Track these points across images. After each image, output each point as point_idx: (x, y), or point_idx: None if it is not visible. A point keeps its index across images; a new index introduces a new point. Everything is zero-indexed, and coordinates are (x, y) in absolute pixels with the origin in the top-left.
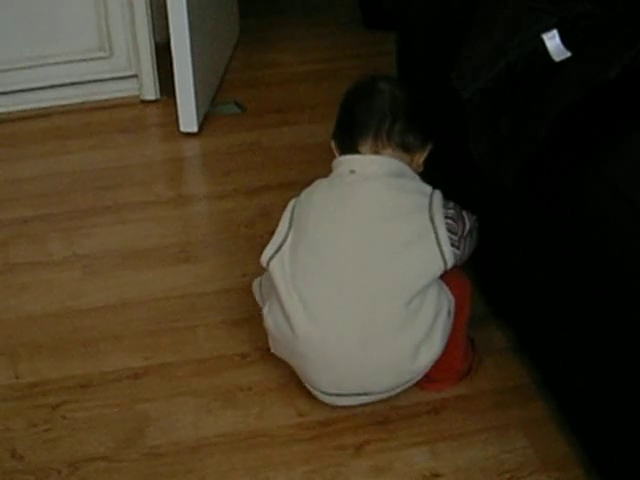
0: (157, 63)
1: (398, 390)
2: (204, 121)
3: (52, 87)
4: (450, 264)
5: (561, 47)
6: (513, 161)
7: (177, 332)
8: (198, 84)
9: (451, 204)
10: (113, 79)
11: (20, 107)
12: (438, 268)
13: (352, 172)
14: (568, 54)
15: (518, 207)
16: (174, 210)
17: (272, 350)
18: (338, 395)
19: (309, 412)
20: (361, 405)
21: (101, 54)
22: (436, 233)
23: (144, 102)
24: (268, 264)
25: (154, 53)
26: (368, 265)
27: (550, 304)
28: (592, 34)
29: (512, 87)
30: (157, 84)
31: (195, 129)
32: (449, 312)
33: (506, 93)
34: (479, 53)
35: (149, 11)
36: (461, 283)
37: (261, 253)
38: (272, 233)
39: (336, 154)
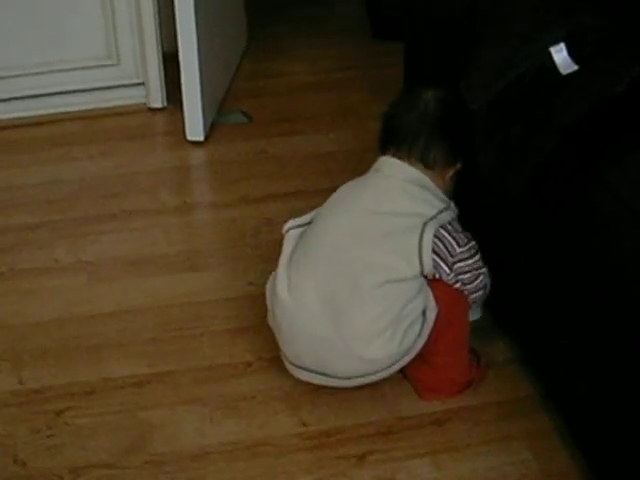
0: (164, 71)
1: (354, 382)
2: (211, 130)
3: (59, 94)
4: (427, 271)
5: (568, 60)
6: (521, 171)
7: (181, 340)
8: (205, 93)
9: (461, 229)
10: (120, 86)
11: (27, 113)
12: (412, 269)
13: (377, 170)
14: (575, 67)
15: (523, 215)
16: (180, 218)
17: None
18: (300, 368)
19: (312, 422)
20: (364, 414)
21: (108, 62)
22: (421, 236)
23: (151, 110)
24: (287, 231)
25: (161, 61)
26: (348, 246)
27: (553, 315)
28: (600, 48)
29: (521, 98)
30: (164, 92)
31: (202, 138)
32: (423, 316)
33: (515, 104)
34: (488, 64)
35: (157, 20)
36: (456, 296)
37: (266, 261)
38: (278, 242)
39: None
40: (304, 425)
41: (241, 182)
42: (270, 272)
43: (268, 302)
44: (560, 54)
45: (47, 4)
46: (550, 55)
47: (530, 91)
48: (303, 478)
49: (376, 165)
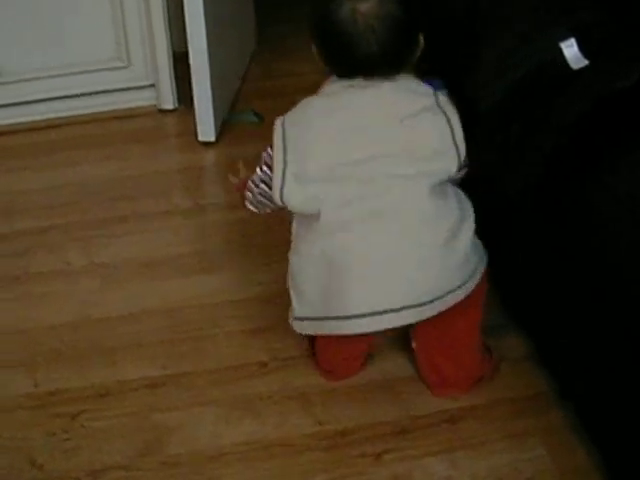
0: (175, 72)
1: (438, 307)
2: (222, 130)
3: (69, 97)
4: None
5: (579, 55)
6: (518, 170)
7: (195, 341)
8: (216, 93)
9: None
10: (131, 89)
11: (37, 117)
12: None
13: (351, 86)
14: (586, 62)
15: (521, 214)
16: (191, 219)
17: (292, 287)
18: (372, 314)
19: (328, 421)
20: (379, 414)
21: (118, 64)
22: (447, 118)
23: (162, 111)
24: (282, 196)
25: (172, 62)
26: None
27: (558, 313)
28: (601, 47)
29: (522, 98)
30: (175, 93)
31: (213, 138)
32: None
33: (515, 103)
34: (490, 64)
35: (166, 20)
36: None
37: (277, 262)
38: (288, 242)
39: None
40: (319, 424)
41: None
42: (283, 273)
43: (308, 262)
44: (571, 49)
45: (55, 8)
46: (561, 51)
47: (531, 90)
48: (319, 477)
49: (343, 83)
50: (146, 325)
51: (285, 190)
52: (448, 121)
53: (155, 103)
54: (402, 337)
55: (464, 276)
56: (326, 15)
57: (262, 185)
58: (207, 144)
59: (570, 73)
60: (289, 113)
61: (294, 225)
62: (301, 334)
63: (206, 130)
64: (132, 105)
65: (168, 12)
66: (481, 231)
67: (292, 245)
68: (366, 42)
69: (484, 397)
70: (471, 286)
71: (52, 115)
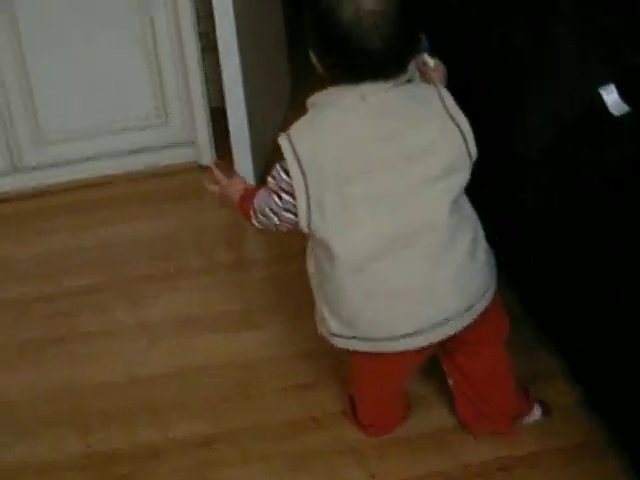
0: (213, 128)
1: (472, 315)
2: (262, 182)
3: (108, 156)
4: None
5: (619, 101)
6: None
7: (244, 398)
8: (254, 148)
9: None
10: (169, 146)
11: (77, 176)
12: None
13: (363, 99)
14: (627, 109)
15: (569, 251)
16: (235, 275)
17: (334, 331)
18: (416, 333)
19: (381, 474)
20: (431, 464)
21: (157, 121)
22: (459, 127)
23: (201, 168)
24: (310, 225)
25: (209, 118)
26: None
27: (614, 360)
28: None
29: (569, 142)
30: (213, 149)
31: None
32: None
33: (563, 149)
34: (538, 112)
35: (203, 77)
36: (502, 316)
37: None
38: None
39: (321, 72)
40: (373, 477)
41: (294, 236)
42: None
43: (344, 296)
44: (611, 95)
45: (94, 68)
46: (601, 97)
47: (576, 137)
48: None
49: (355, 93)
50: (194, 383)
51: (313, 219)
52: (461, 131)
53: (194, 159)
54: (443, 389)
55: (486, 281)
56: (328, 16)
57: (285, 214)
58: None
59: (612, 119)
60: (297, 131)
61: (318, 252)
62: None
63: None
64: (171, 162)
65: (204, 68)
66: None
67: (316, 269)
68: (370, 40)
69: (536, 445)
70: (492, 292)
71: (93, 174)
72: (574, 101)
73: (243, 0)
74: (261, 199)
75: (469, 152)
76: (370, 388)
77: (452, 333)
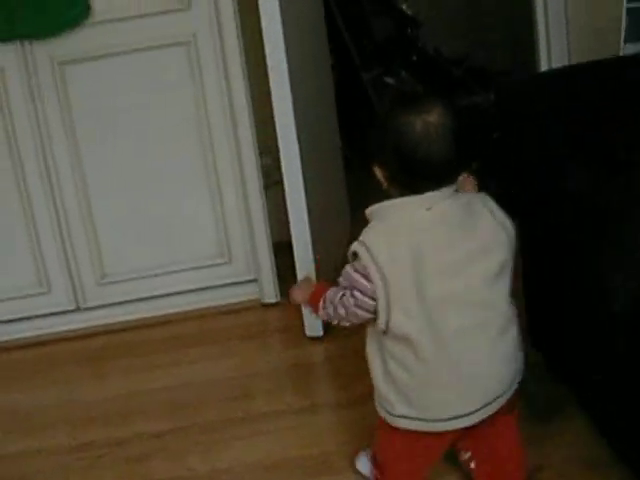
0: (276, 265)
1: (507, 397)
2: (328, 323)
3: (173, 294)
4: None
5: None
6: None
7: None
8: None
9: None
10: (233, 284)
11: (143, 315)
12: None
13: (428, 210)
14: None
15: None
16: (306, 418)
17: (400, 413)
18: (473, 412)
19: None
20: None
21: (220, 260)
22: (505, 229)
23: (265, 306)
24: (389, 326)
25: (272, 257)
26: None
27: None
28: None
29: None
30: (277, 287)
31: (320, 333)
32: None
33: None
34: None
35: (265, 216)
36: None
37: None
38: None
39: (384, 183)
40: None
41: (366, 377)
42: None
43: (408, 385)
44: None
45: (159, 209)
46: None
47: None
48: None
49: (419, 204)
50: None
51: (393, 318)
52: (508, 235)
53: (258, 297)
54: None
55: (521, 369)
56: (398, 131)
57: (356, 310)
58: (314, 339)
59: None
60: (372, 238)
61: (391, 346)
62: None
63: (314, 325)
64: (235, 300)
65: (267, 206)
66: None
67: (382, 360)
68: (438, 151)
69: None
70: (521, 376)
71: (156, 313)
72: None
73: (307, 137)
74: (334, 293)
75: (513, 252)
76: (407, 464)
77: (492, 413)
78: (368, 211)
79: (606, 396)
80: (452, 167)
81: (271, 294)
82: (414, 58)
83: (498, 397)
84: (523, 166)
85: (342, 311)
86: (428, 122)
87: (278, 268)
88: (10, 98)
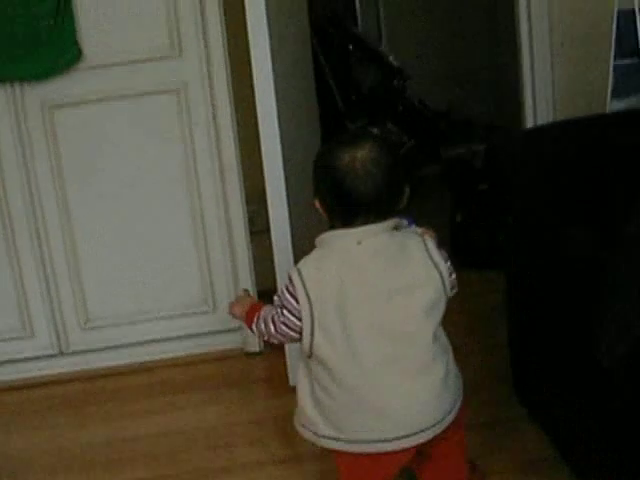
0: None
1: (446, 423)
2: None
3: (157, 341)
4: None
5: None
6: None
7: None
8: None
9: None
10: (216, 332)
11: (126, 361)
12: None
13: (359, 243)
14: None
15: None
16: (292, 470)
17: (323, 433)
18: (406, 436)
19: None
20: None
21: (204, 308)
22: (439, 272)
23: (248, 355)
24: (312, 348)
25: None
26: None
27: None
28: None
29: None
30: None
31: None
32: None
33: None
34: (623, 316)
35: (251, 262)
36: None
37: None
38: None
39: (324, 215)
40: None
41: None
42: None
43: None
44: None
45: (142, 255)
46: None
47: None
48: None
49: (351, 238)
50: None
51: (316, 340)
52: (441, 276)
53: (241, 346)
54: None
55: (455, 400)
56: (328, 165)
57: (282, 326)
58: None
59: None
60: (305, 266)
61: (314, 366)
62: None
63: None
64: (219, 348)
65: (253, 255)
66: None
67: (308, 380)
68: (364, 184)
69: None
70: (459, 405)
71: (138, 359)
72: None
73: (294, 186)
74: (267, 311)
75: (446, 293)
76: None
77: (424, 441)
78: (316, 240)
79: (593, 450)
80: (380, 200)
81: (254, 343)
82: (400, 109)
83: (425, 429)
84: (510, 221)
85: (271, 327)
86: (355, 157)
87: None
88: None
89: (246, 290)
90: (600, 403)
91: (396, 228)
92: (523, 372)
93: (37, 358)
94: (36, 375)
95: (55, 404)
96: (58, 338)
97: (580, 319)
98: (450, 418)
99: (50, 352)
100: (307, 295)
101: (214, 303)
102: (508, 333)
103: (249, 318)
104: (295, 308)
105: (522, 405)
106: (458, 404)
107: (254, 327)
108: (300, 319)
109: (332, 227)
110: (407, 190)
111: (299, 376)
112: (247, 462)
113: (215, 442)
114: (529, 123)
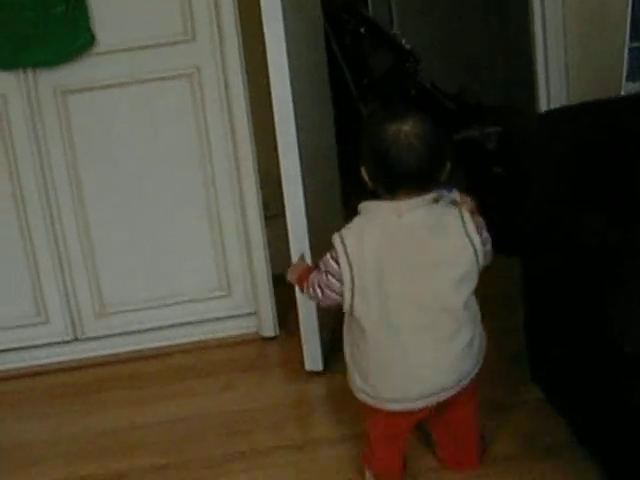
0: (275, 296)
1: (462, 385)
2: (328, 358)
3: (172, 326)
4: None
5: None
6: None
7: None
8: (321, 322)
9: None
10: (232, 317)
11: (142, 346)
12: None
13: (399, 217)
14: None
15: None
16: (308, 454)
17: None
18: (427, 397)
19: None
20: None
21: (220, 293)
22: (473, 245)
23: (263, 339)
24: (353, 309)
25: (272, 290)
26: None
27: None
28: None
29: None
30: (276, 321)
31: (320, 367)
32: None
33: None
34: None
35: (266, 249)
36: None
37: None
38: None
39: (369, 183)
40: None
41: (361, 415)
42: None
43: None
44: None
45: (159, 242)
46: None
47: None
48: None
49: (392, 211)
50: None
51: (355, 302)
52: (474, 249)
53: (257, 330)
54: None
55: (476, 364)
56: (375, 136)
57: (328, 291)
58: (314, 373)
59: None
60: (347, 232)
61: (353, 328)
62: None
63: (313, 360)
64: (234, 333)
65: (267, 240)
66: None
67: (350, 341)
68: (407, 157)
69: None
70: (477, 370)
71: (154, 345)
72: None
73: (309, 170)
74: (313, 276)
75: (479, 264)
76: (382, 439)
77: (442, 400)
78: (359, 206)
79: (611, 434)
80: (422, 173)
81: (270, 327)
82: (412, 92)
83: (446, 389)
84: (526, 205)
85: (319, 292)
86: (400, 130)
87: (278, 301)
88: (12, 125)
89: (302, 255)
90: (619, 386)
91: (436, 200)
92: (540, 356)
93: (52, 344)
94: (51, 362)
95: (70, 390)
96: (73, 324)
97: (597, 303)
98: (468, 380)
99: (65, 338)
100: (348, 260)
101: (229, 288)
102: (524, 317)
103: (301, 285)
104: (337, 272)
105: (539, 389)
106: (479, 365)
107: (305, 292)
108: (342, 282)
109: (374, 195)
110: (448, 165)
111: (344, 336)
112: (265, 447)
113: (231, 427)
114: (543, 106)
